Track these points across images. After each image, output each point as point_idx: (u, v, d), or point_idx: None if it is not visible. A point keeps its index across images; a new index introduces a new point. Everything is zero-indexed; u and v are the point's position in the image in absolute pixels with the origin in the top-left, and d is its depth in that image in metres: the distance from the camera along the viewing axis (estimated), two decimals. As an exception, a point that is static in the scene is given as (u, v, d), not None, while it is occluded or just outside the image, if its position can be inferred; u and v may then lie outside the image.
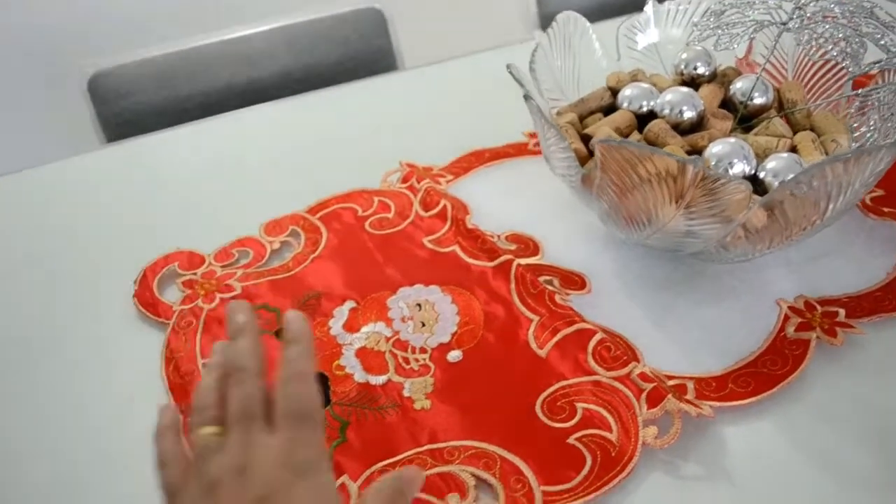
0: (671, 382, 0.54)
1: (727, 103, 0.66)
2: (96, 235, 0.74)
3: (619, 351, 0.55)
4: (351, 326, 0.61)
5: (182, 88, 0.97)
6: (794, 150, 0.60)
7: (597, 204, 0.59)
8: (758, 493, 0.48)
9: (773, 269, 0.63)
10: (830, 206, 0.52)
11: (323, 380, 0.57)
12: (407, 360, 0.58)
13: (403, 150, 0.80)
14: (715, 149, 0.57)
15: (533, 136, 0.80)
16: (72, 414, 0.57)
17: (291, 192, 0.75)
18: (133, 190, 0.79)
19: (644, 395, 0.52)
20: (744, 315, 0.60)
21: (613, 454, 0.50)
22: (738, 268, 0.64)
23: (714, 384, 0.54)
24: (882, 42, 0.61)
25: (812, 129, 0.63)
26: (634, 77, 0.68)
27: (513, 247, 0.67)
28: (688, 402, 0.52)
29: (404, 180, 0.75)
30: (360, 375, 0.57)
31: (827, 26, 0.63)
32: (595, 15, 0.75)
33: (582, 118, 0.66)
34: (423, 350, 0.59)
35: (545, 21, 1.13)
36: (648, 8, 0.74)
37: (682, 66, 0.67)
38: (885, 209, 0.67)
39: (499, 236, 0.68)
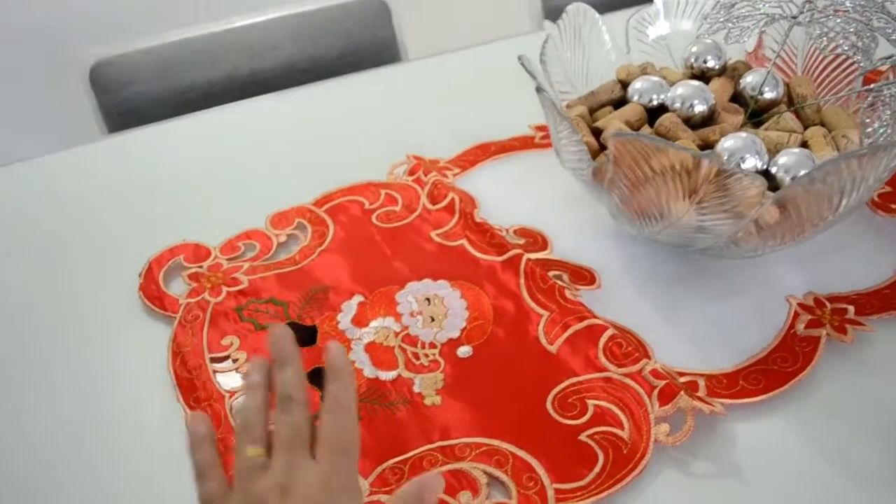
0: (683, 379, 0.54)
1: (737, 97, 0.66)
2: (99, 227, 0.73)
3: (630, 347, 0.55)
4: (359, 321, 0.61)
5: (184, 79, 0.97)
6: (804, 145, 0.60)
7: (607, 198, 0.59)
8: (769, 490, 0.48)
9: (782, 266, 0.63)
10: (843, 203, 0.52)
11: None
12: (417, 356, 0.58)
13: (409, 142, 0.79)
14: (727, 143, 0.57)
15: (540, 128, 0.80)
16: (78, 408, 0.56)
17: (297, 185, 0.75)
18: (136, 181, 0.79)
19: (656, 392, 0.52)
20: (753, 311, 0.59)
21: (625, 452, 0.50)
22: (747, 264, 0.63)
23: (725, 381, 0.54)
24: (893, 37, 0.61)
25: (822, 125, 0.63)
26: (644, 70, 0.67)
27: (521, 241, 0.66)
28: (700, 399, 0.51)
29: (411, 173, 0.75)
30: (369, 371, 0.57)
31: (838, 20, 0.62)
32: (603, 6, 0.74)
33: (592, 111, 0.65)
34: (432, 345, 0.58)
35: (549, 13, 1.12)
36: (658, 0, 0.73)
37: (693, 60, 0.67)
38: (893, 206, 0.67)
39: (507, 230, 0.67)
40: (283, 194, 0.74)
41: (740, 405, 0.52)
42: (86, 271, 0.68)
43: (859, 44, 0.61)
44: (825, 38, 0.62)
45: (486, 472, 0.49)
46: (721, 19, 0.66)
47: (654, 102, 0.63)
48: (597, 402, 0.53)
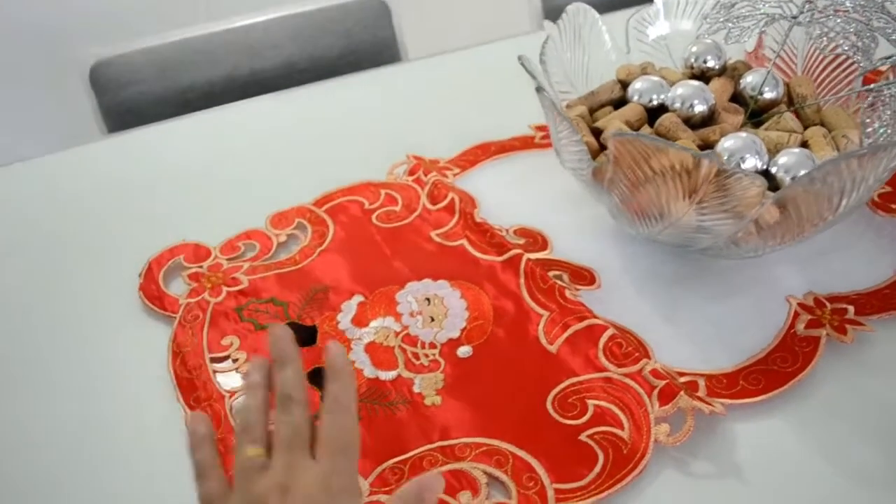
0: (683, 379, 0.54)
1: (737, 97, 0.66)
2: (99, 227, 0.73)
3: (630, 348, 0.55)
4: (359, 321, 0.61)
5: (184, 78, 0.97)
6: (804, 145, 0.60)
7: (607, 198, 0.59)
8: (769, 490, 0.48)
9: (781, 266, 0.63)
10: (843, 203, 0.52)
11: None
12: (417, 356, 0.58)
13: (408, 142, 0.79)
14: (727, 143, 0.57)
15: (540, 128, 0.80)
16: (78, 407, 0.56)
17: (297, 185, 0.75)
18: (136, 181, 0.79)
19: (656, 392, 0.52)
20: (752, 311, 0.59)
21: (625, 452, 0.50)
22: (746, 264, 0.63)
23: (725, 381, 0.54)
24: (893, 37, 0.60)
25: (822, 125, 0.63)
26: (644, 70, 0.67)
27: (521, 241, 0.66)
28: (700, 399, 0.51)
29: (411, 173, 0.75)
30: (369, 371, 0.57)
31: (838, 20, 0.62)
32: (603, 6, 0.74)
33: (592, 111, 0.65)
34: (432, 345, 0.58)
35: (549, 13, 1.12)
36: (658, 0, 0.73)
37: (692, 60, 0.67)
38: (893, 206, 0.67)
39: (507, 230, 0.67)
40: (283, 194, 0.73)
41: (740, 405, 0.52)
42: (85, 271, 0.68)
43: (859, 44, 0.61)
44: (825, 38, 0.62)
45: (486, 472, 0.49)
46: (721, 19, 0.66)
47: (654, 102, 0.63)
48: (597, 402, 0.53)
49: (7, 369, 0.59)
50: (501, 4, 1.40)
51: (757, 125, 0.63)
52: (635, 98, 0.64)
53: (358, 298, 0.63)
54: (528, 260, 0.63)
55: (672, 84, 0.64)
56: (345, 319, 0.61)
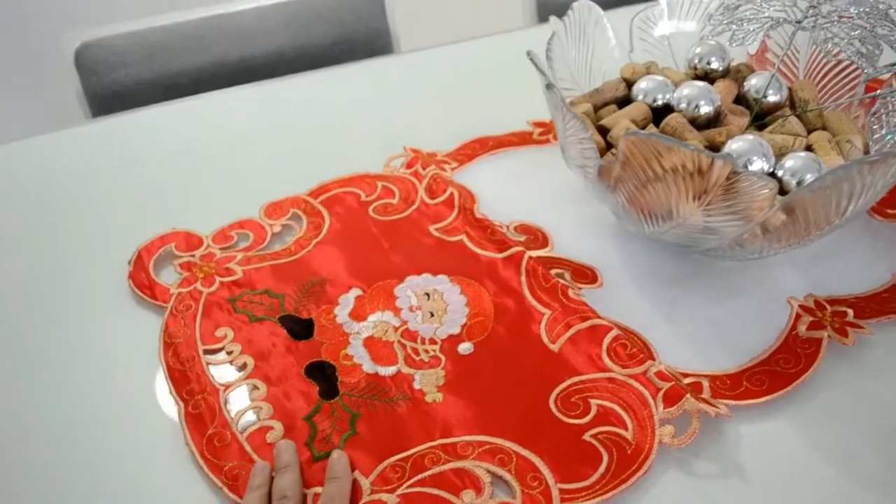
0: (687, 380, 0.53)
1: (740, 100, 0.66)
2: (85, 213, 0.71)
3: (635, 349, 0.55)
4: (357, 315, 0.59)
5: (172, 64, 0.94)
6: (808, 148, 0.60)
7: (612, 197, 0.58)
8: (772, 491, 0.48)
9: (780, 268, 0.63)
10: (850, 207, 0.52)
11: (330, 370, 0.56)
12: (416, 352, 0.57)
13: (403, 134, 0.78)
14: (734, 145, 0.56)
15: (539, 125, 0.79)
16: (65, 398, 0.54)
17: (290, 175, 0.73)
18: (123, 166, 0.77)
19: (661, 394, 0.52)
20: (754, 312, 0.59)
21: (629, 452, 0.49)
22: (746, 265, 0.63)
23: (729, 382, 0.54)
24: (897, 44, 0.61)
25: (824, 129, 0.63)
26: (649, 69, 0.67)
27: (522, 238, 0.66)
28: (705, 401, 0.51)
29: (408, 166, 0.74)
30: (368, 366, 0.56)
31: (843, 26, 0.62)
32: (605, 3, 0.74)
33: (596, 109, 0.65)
34: (432, 341, 0.57)
35: (542, 8, 1.12)
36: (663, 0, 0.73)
37: (696, 61, 0.67)
38: (890, 211, 0.68)
39: (507, 227, 0.67)
40: (276, 184, 0.72)
41: (744, 406, 0.52)
42: (71, 259, 0.66)
43: (863, 50, 0.62)
44: (829, 44, 0.63)
45: (489, 471, 0.49)
46: (725, 21, 0.65)
47: (659, 102, 0.63)
48: (600, 401, 0.52)
49: (-10, 357, 0.57)
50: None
51: (760, 128, 0.63)
52: (640, 97, 0.63)
53: (356, 292, 0.61)
54: (530, 257, 0.62)
55: (675, 84, 0.63)
56: (342, 313, 0.60)
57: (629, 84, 0.65)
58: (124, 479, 0.49)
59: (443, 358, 0.56)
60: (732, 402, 0.52)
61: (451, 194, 0.69)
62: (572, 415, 0.52)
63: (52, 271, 0.65)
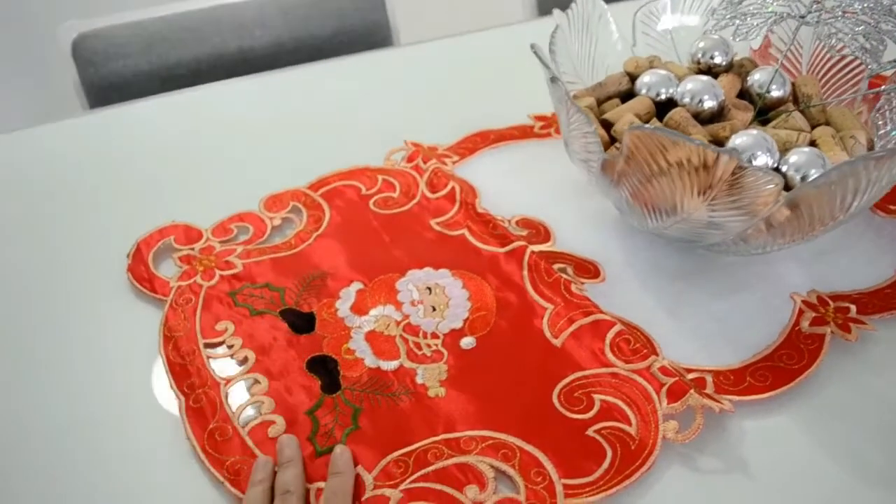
0: (690, 376, 0.53)
1: (743, 95, 0.65)
2: (83, 205, 0.70)
3: (638, 344, 0.54)
4: (359, 309, 0.59)
5: (170, 55, 0.94)
6: (812, 144, 0.60)
7: (616, 191, 0.58)
8: (776, 487, 0.48)
9: (783, 263, 0.63)
10: (855, 203, 0.52)
11: (331, 364, 0.55)
12: (419, 346, 0.56)
13: (403, 128, 0.78)
14: (738, 140, 0.56)
15: (540, 118, 0.79)
16: (64, 393, 0.54)
17: (290, 168, 0.73)
18: (120, 159, 0.76)
19: (665, 389, 0.52)
20: (757, 308, 0.59)
21: (633, 447, 0.49)
22: (749, 260, 0.63)
23: (732, 378, 0.53)
24: (900, 40, 0.61)
25: (827, 124, 0.63)
26: (652, 63, 0.66)
27: (524, 232, 0.65)
28: (709, 396, 0.51)
29: (409, 160, 0.73)
30: (370, 360, 0.55)
31: (847, 21, 0.62)
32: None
33: (599, 102, 0.64)
34: (434, 335, 0.57)
35: (542, 2, 1.11)
36: (666, -7, 0.72)
37: (700, 55, 0.66)
38: (893, 207, 0.68)
39: (509, 221, 0.66)
40: (276, 177, 0.72)
41: (747, 402, 0.52)
42: (69, 251, 0.65)
43: (867, 45, 0.61)
44: (833, 39, 0.62)
45: (492, 466, 0.48)
46: (728, 15, 0.65)
47: (663, 96, 0.62)
48: (603, 396, 0.52)
49: (-12, 351, 0.57)
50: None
51: (763, 123, 0.63)
52: (643, 91, 0.63)
53: (357, 286, 0.61)
54: (532, 252, 0.62)
55: (679, 79, 0.63)
56: (344, 307, 0.59)
57: (632, 78, 0.65)
58: (124, 474, 0.49)
59: (445, 352, 0.56)
60: (736, 398, 0.52)
61: (453, 188, 0.69)
62: (575, 410, 0.52)
63: (50, 263, 0.64)
